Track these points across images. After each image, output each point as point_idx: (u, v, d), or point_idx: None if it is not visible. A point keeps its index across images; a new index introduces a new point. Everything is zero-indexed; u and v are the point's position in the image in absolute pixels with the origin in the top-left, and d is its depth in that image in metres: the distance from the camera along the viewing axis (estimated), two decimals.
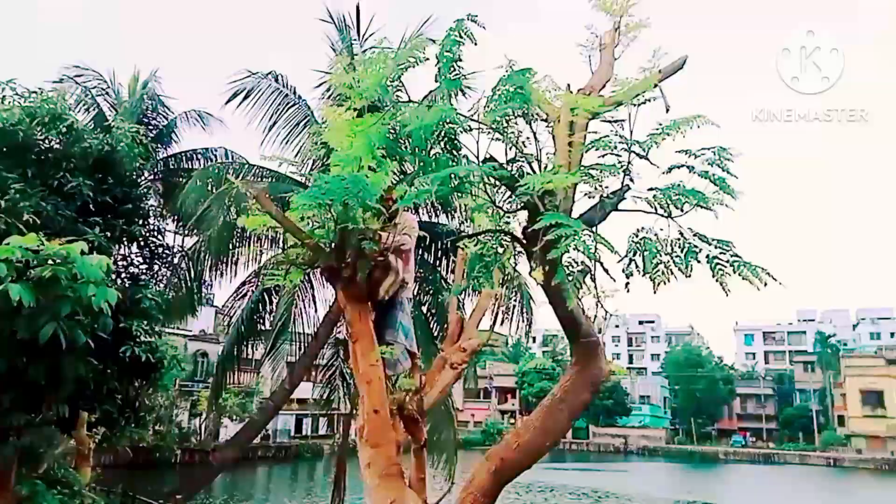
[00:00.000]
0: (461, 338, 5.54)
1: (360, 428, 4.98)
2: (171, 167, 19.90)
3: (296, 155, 17.21)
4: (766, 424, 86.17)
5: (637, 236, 3.51)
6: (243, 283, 17.56)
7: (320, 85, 17.40)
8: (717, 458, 63.92)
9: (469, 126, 3.68)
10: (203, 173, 16.25)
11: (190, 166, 19.66)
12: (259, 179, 16.31)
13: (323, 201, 4.69)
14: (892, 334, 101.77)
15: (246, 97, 16.49)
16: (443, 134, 3.62)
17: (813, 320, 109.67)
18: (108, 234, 8.80)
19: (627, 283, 3.52)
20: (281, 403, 15.78)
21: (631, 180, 3.44)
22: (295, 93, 16.80)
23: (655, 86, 3.49)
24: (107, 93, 19.76)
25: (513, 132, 3.71)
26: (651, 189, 3.40)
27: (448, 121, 3.46)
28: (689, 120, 3.40)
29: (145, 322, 9.04)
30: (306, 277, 15.02)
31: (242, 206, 15.08)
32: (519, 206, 3.83)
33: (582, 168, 3.47)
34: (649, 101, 3.53)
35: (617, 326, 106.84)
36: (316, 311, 15.71)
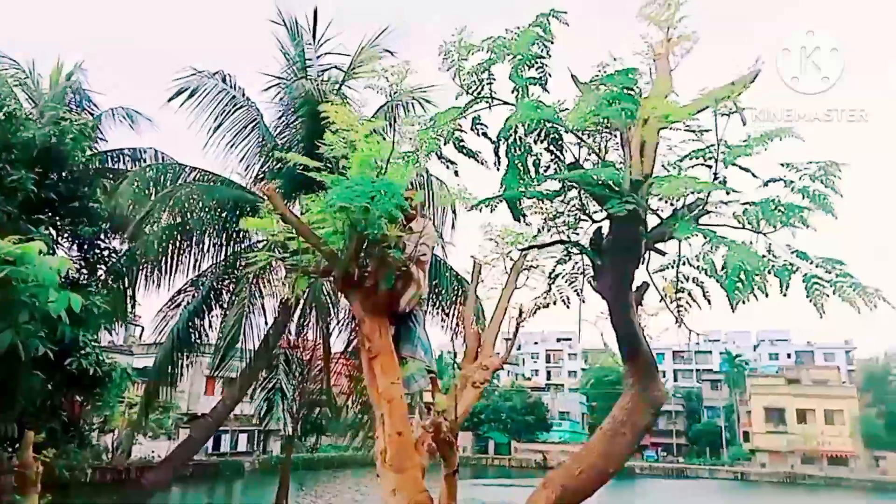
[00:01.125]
0: (480, 354, 5.24)
1: (382, 451, 4.58)
2: (96, 166, 18.57)
3: (241, 160, 16.45)
4: (676, 440, 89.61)
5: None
6: (178, 293, 16.50)
7: (269, 88, 16.76)
8: (633, 473, 65.56)
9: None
10: (138, 174, 15.19)
11: (116, 167, 18.43)
12: (202, 182, 15.44)
13: (348, 203, 4.32)
14: (788, 355, 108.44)
15: (191, 96, 15.62)
16: (544, 133, 3.35)
17: (718, 340, 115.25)
18: (54, 233, 7.97)
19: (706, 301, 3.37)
20: (221, 420, 14.85)
21: (727, 192, 3.28)
22: (244, 95, 16.05)
23: (739, 94, 3.37)
24: (25, 83, 18.28)
25: (595, 137, 3.49)
26: (745, 203, 3.26)
27: (548, 120, 3.20)
28: (778, 132, 3.28)
29: (90, 332, 8.21)
30: (256, 286, 14.26)
31: (187, 209, 14.33)
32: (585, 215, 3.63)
33: (688, 177, 3.27)
34: (733, 112, 3.40)
35: (536, 343, 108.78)
36: (266, 322, 14.90)
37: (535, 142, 3.53)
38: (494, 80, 3.62)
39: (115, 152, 19.09)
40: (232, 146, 15.95)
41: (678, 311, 3.61)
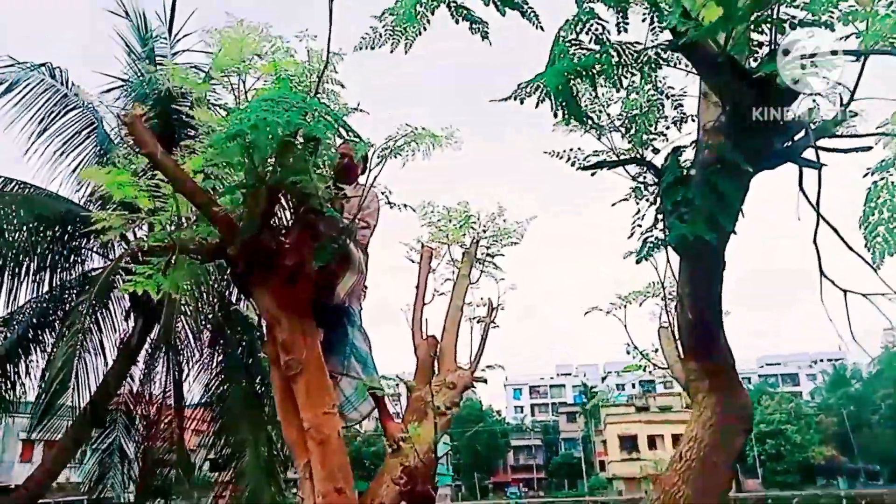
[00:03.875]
0: (440, 370, 3.77)
1: None
2: None
3: (74, 171, 13.68)
4: (536, 474, 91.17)
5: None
6: None
7: (112, 90, 14.23)
8: None
9: None
10: None
11: None
12: (17, 195, 12.56)
13: (255, 132, 2.76)
14: (633, 385, 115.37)
15: (7, 91, 12.76)
16: None
17: (570, 374, 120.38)
18: None
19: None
20: (41, 492, 11.78)
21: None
22: (78, 95, 13.40)
23: None
24: None
25: None
26: None
27: None
28: None
29: None
30: (96, 312, 11.62)
31: None
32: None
33: None
34: None
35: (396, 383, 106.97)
36: (106, 363, 12.20)
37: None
38: None
39: None
40: (62, 154, 13.14)
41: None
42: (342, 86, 3.14)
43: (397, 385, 3.64)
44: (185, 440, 15.63)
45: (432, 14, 2.30)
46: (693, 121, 2.77)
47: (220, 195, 3.11)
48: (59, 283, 12.92)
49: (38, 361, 12.88)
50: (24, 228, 11.77)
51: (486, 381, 3.84)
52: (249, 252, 3.09)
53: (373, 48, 2.49)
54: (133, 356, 12.92)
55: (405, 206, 3.29)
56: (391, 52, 2.45)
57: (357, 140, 3.09)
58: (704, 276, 2.53)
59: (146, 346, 12.95)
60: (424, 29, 2.41)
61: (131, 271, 3.58)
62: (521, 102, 2.36)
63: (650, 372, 4.74)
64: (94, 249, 12.86)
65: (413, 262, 4.38)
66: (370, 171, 3.38)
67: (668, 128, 2.85)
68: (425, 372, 3.81)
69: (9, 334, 13.04)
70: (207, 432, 14.68)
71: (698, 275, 2.54)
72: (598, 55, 2.20)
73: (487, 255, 4.53)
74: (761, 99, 2.11)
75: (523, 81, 2.36)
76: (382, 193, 3.36)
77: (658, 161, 2.69)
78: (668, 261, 3.23)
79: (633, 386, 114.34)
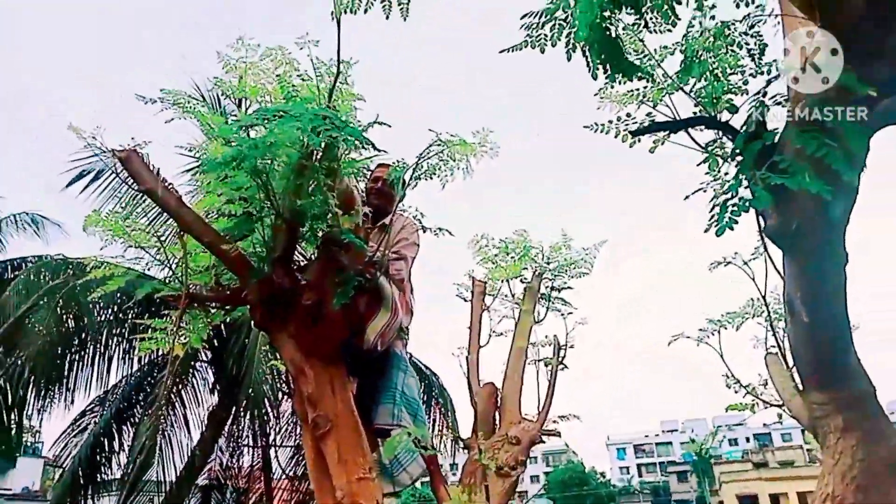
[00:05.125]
0: (501, 422, 3.20)
1: None
2: None
3: (157, 251, 14.15)
4: None
5: None
6: (82, 415, 13.57)
7: (190, 170, 14.84)
8: None
9: None
10: (28, 280, 12.70)
11: (16, 277, 15.88)
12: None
13: (253, 152, 2.40)
14: (747, 439, 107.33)
15: (95, 179, 13.49)
16: None
17: (676, 430, 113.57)
18: None
19: None
20: None
21: None
22: (158, 174, 13.99)
23: None
24: None
25: None
26: None
27: None
28: None
29: None
30: (178, 388, 11.69)
31: (84, 307, 11.86)
32: None
33: None
34: None
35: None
36: (190, 437, 12.17)
37: None
38: None
39: (15, 261, 16.60)
40: (147, 234, 13.68)
41: None
42: (362, 98, 2.76)
43: (454, 441, 3.09)
44: None
45: None
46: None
47: (230, 230, 2.76)
48: (147, 360, 13.22)
49: (129, 440, 13.09)
50: (111, 307, 12.15)
51: (559, 434, 3.23)
52: (265, 293, 2.70)
53: (354, 12, 2.09)
54: (219, 429, 12.88)
55: (441, 230, 2.83)
56: (386, 17, 2.04)
57: (382, 154, 2.69)
58: (818, 273, 1.88)
59: (231, 417, 12.92)
60: None
61: (149, 328, 3.28)
62: (542, 52, 1.87)
63: (754, 406, 3.89)
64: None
65: (465, 299, 3.89)
66: (401, 195, 2.96)
67: (746, 80, 2.24)
68: (484, 425, 3.24)
69: (103, 413, 13.37)
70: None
71: (809, 271, 1.90)
72: None
73: (552, 288, 3.97)
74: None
75: (531, 14, 1.84)
76: (415, 217, 2.93)
77: (738, 123, 2.10)
78: (766, 271, 2.58)
79: (748, 440, 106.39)
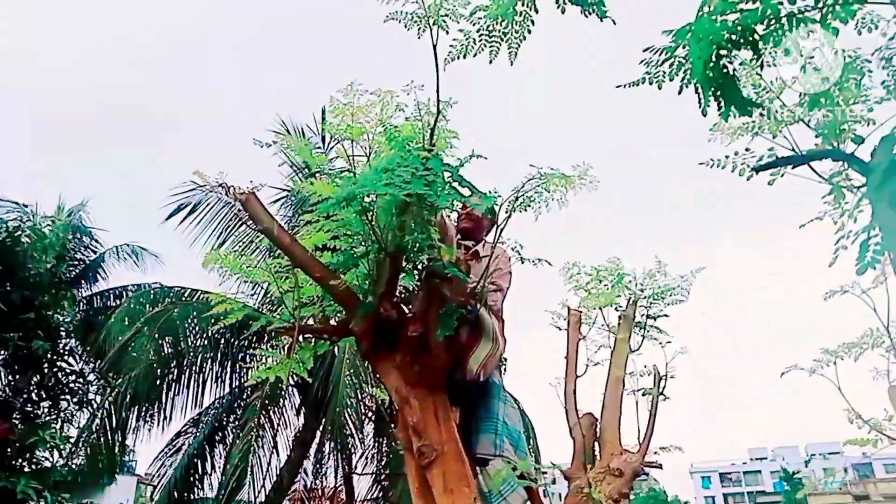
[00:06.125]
0: (601, 454, 3.19)
1: None
2: (97, 306, 17.12)
3: (248, 280, 14.77)
4: None
5: None
6: (177, 435, 14.23)
7: (278, 200, 15.52)
8: None
9: None
10: (129, 308, 13.53)
11: (118, 304, 16.97)
12: (203, 304, 13.73)
13: (379, 191, 2.53)
14: (845, 470, 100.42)
15: (191, 212, 14.31)
16: None
17: (765, 458, 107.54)
18: None
19: None
20: None
21: None
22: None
23: None
24: (23, 226, 17.26)
25: None
26: None
27: None
28: None
29: (37, 484, 6.06)
30: (267, 411, 12.10)
31: (182, 333, 12.53)
32: None
33: None
34: None
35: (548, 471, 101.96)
36: (279, 458, 12.56)
37: None
38: None
39: (117, 289, 17.73)
40: (261, 270, 14.34)
41: None
42: (456, 136, 2.86)
43: (552, 474, 3.09)
44: None
45: (536, 13, 1.92)
46: None
47: (337, 265, 2.90)
48: (238, 385, 13.79)
49: (221, 456, 13.64)
50: (205, 333, 12.78)
51: (660, 467, 3.18)
52: (371, 326, 2.82)
53: (464, 57, 2.18)
54: (304, 451, 13.24)
55: (540, 260, 2.87)
56: (490, 62, 2.12)
57: (478, 193, 2.77)
58: None
59: (315, 440, 13.25)
60: (529, 31, 2.05)
61: (255, 356, 3.45)
62: (660, 88, 1.89)
63: (878, 442, 3.69)
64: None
65: (559, 328, 3.90)
66: (498, 227, 3.03)
67: (871, 108, 2.17)
68: (584, 457, 3.23)
69: (197, 434, 13.99)
70: None
71: None
72: (759, 7, 1.64)
73: (648, 316, 3.93)
74: None
75: (652, 49, 1.86)
76: (513, 249, 2.99)
77: (864, 155, 2.03)
78: (888, 299, 2.49)
79: (846, 471, 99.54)
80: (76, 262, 17.10)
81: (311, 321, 3.14)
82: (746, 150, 2.29)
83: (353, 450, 13.65)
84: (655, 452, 3.27)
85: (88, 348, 14.57)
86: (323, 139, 15.09)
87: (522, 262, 2.91)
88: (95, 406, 11.29)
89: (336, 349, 12.08)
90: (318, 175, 4.17)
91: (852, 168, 2.08)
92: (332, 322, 3.18)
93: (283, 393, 12.76)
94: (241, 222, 14.76)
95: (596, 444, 3.31)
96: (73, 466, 11.43)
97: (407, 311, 2.84)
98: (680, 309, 4.06)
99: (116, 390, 12.19)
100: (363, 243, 2.93)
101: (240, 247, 14.75)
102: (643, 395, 3.58)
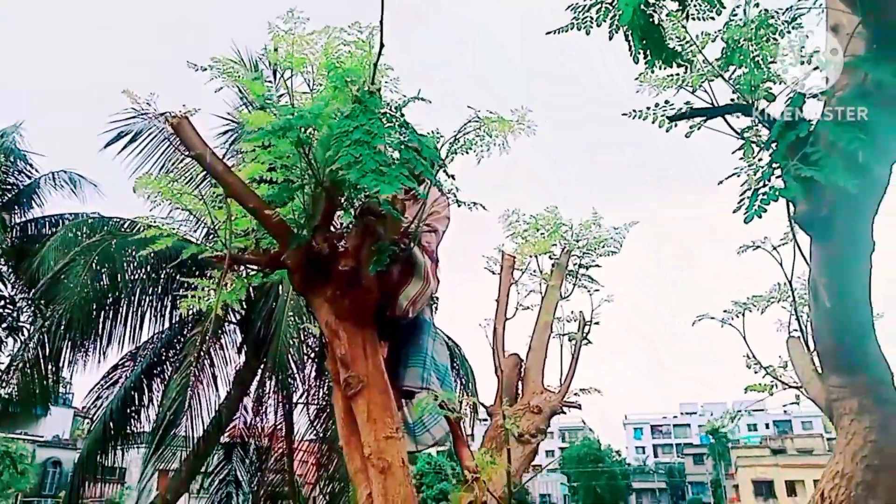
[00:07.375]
0: (524, 392, 3.32)
1: None
2: (31, 234, 16.47)
3: (202, 214, 14.40)
4: None
5: None
6: (114, 368, 14.03)
7: (226, 132, 15.05)
8: None
9: None
10: (65, 236, 13.07)
11: (54, 232, 16.34)
12: (142, 238, 13.37)
13: (299, 122, 2.52)
14: (766, 425, 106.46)
15: (132, 140, 13.75)
16: None
17: (695, 413, 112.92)
18: None
19: None
20: None
21: None
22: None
23: None
24: None
25: None
26: None
27: None
28: None
29: None
30: (207, 346, 12.02)
31: (119, 264, 12.22)
32: None
33: None
34: None
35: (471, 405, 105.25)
36: (218, 395, 12.54)
37: None
38: None
39: (53, 217, 17.06)
40: (194, 197, 13.95)
41: None
42: (391, 69, 2.83)
43: (474, 407, 3.22)
44: (298, 473, 15.80)
45: None
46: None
47: (272, 197, 2.88)
48: (178, 318, 13.60)
49: (159, 394, 13.54)
50: (145, 265, 12.48)
51: (579, 407, 3.34)
52: (304, 259, 2.83)
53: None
54: (245, 389, 13.27)
55: (475, 204, 2.91)
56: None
57: (417, 136, 2.77)
58: (844, 260, 1.94)
59: (256, 378, 13.29)
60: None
61: (191, 287, 3.44)
62: (588, 33, 1.92)
63: (773, 387, 3.94)
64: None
65: (493, 272, 3.99)
66: (439, 168, 3.05)
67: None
68: (507, 394, 3.36)
69: (134, 367, 13.83)
70: (320, 466, 14.77)
71: (836, 258, 1.96)
72: None
73: (580, 266, 4.04)
74: None
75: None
76: (449, 191, 3.02)
77: (776, 111, 2.13)
78: (794, 256, 2.64)
79: (767, 426, 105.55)
80: (8, 186, 16.36)
81: (245, 253, 3.13)
82: (666, 102, 2.36)
83: (294, 388, 13.75)
84: (576, 394, 3.43)
85: (21, 276, 14.12)
86: (274, 73, 14.62)
87: (459, 206, 2.95)
88: (28, 334, 11.01)
89: (280, 289, 12.02)
90: (265, 108, 4.10)
91: (763, 124, 2.17)
92: (254, 254, 3.18)
93: (224, 329, 12.68)
94: (185, 154, 14.29)
95: (520, 383, 3.45)
96: (4, 395, 11.20)
97: (340, 246, 2.86)
98: (617, 261, 4.21)
99: (50, 319, 11.89)
100: (301, 178, 2.91)
101: (183, 180, 14.35)
102: (569, 339, 3.72)
